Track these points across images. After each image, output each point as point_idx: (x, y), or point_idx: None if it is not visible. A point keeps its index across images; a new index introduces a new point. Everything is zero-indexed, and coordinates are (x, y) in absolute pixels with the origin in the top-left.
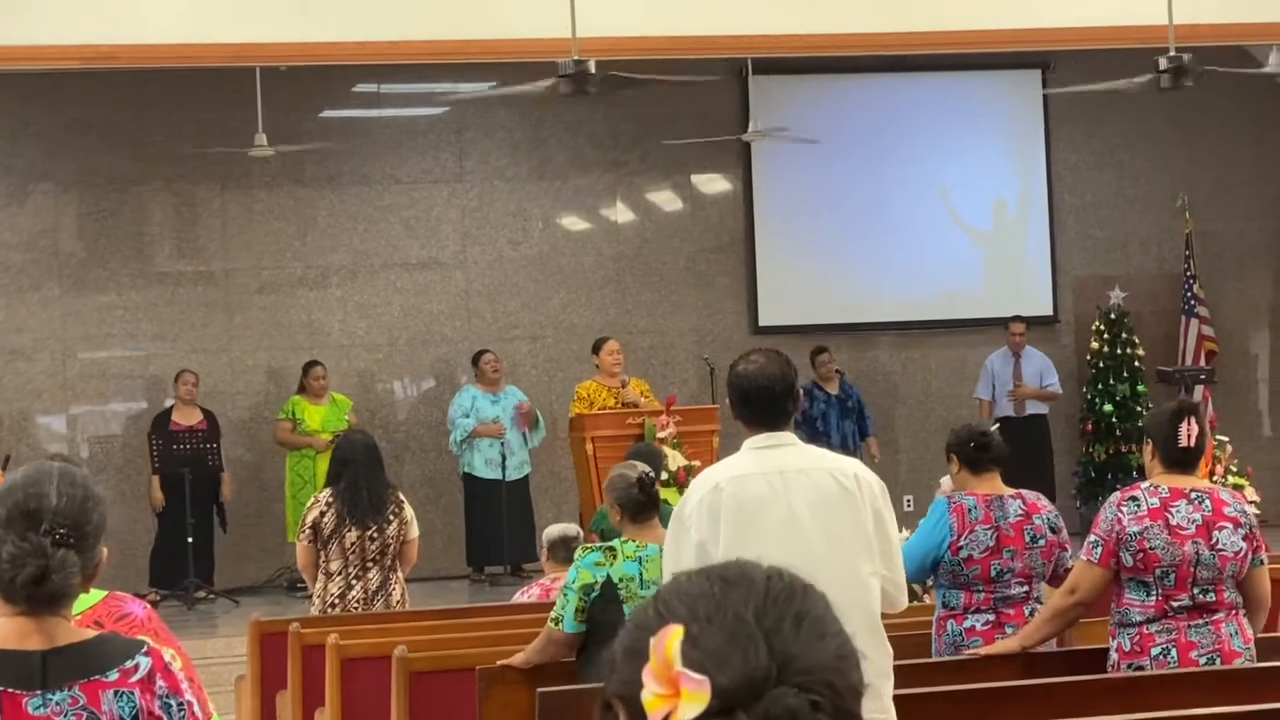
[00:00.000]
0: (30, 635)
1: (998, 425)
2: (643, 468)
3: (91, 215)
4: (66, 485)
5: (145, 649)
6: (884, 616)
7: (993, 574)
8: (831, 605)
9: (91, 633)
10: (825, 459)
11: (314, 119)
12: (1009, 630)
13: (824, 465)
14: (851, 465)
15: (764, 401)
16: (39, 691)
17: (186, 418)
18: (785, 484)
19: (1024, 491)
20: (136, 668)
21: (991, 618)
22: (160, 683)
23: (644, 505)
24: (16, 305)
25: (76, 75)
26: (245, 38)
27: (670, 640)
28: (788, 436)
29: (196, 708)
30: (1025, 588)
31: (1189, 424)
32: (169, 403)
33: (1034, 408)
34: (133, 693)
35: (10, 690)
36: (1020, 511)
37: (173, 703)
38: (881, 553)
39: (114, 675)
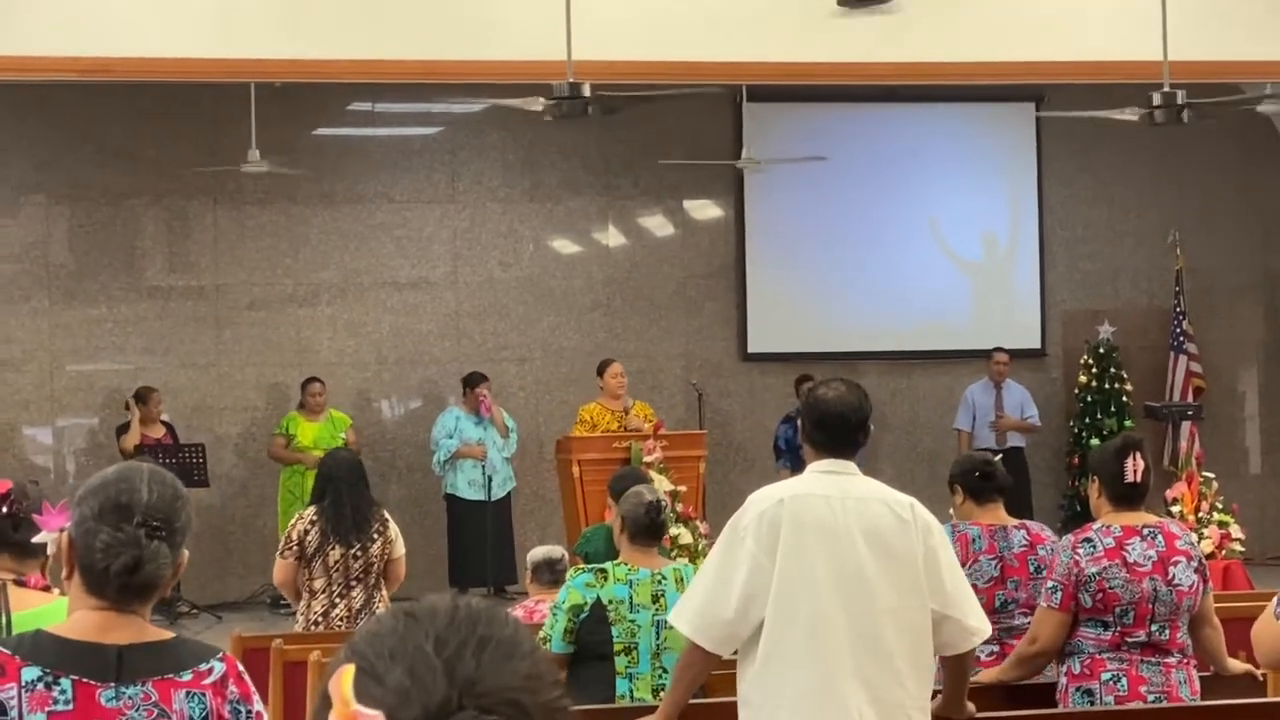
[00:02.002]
0: (111, 630)
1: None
2: (662, 495)
3: (83, 228)
4: (157, 482)
5: (220, 655)
6: None
7: (997, 604)
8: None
9: (170, 634)
10: (883, 491)
11: (308, 136)
12: None
13: (882, 496)
14: (907, 499)
15: (837, 428)
16: (113, 684)
17: (153, 431)
18: (845, 509)
19: (1028, 522)
20: (210, 671)
21: (996, 648)
22: (232, 688)
23: (645, 529)
24: (6, 316)
25: (70, 88)
26: (240, 54)
27: (343, 680)
28: (851, 466)
29: (266, 719)
30: (1029, 618)
31: (1135, 459)
32: (129, 418)
33: (1014, 440)
34: (204, 694)
35: (85, 680)
36: (1024, 542)
37: (242, 709)
38: (934, 590)
39: (188, 675)
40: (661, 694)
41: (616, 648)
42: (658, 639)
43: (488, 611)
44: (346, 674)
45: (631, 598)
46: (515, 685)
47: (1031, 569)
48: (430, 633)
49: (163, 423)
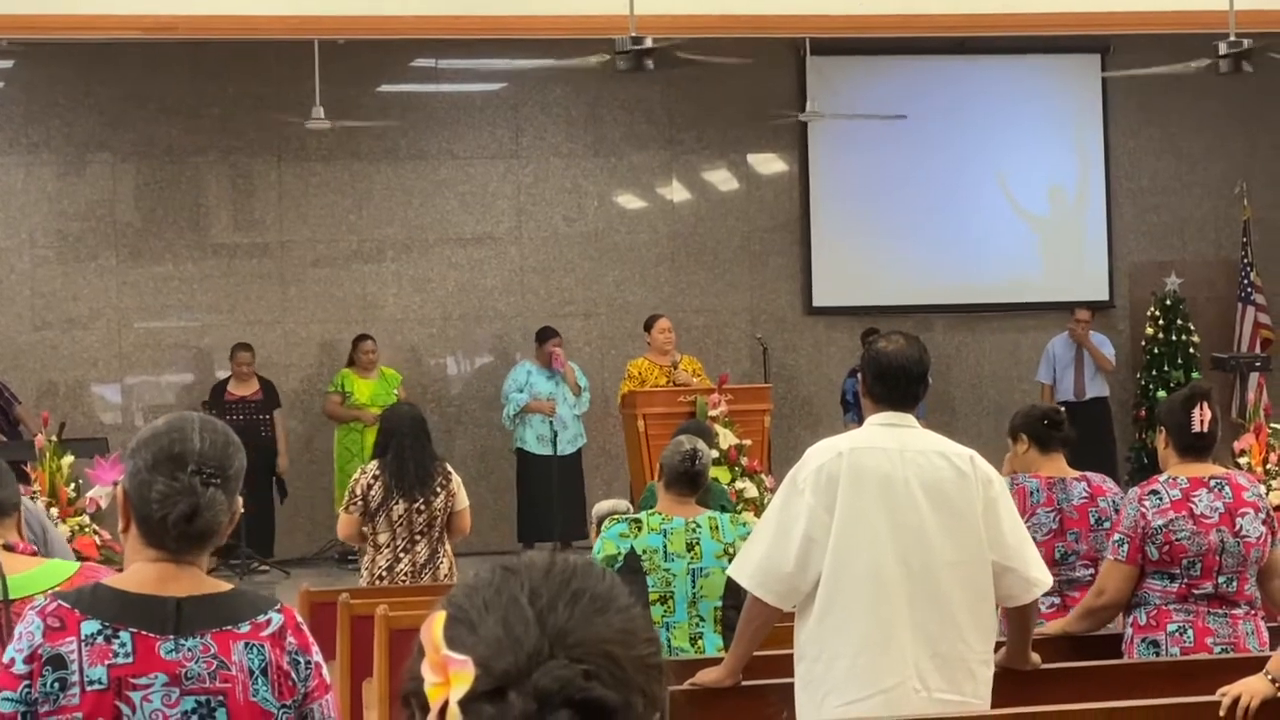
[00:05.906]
0: (169, 582)
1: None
2: (702, 446)
3: (148, 186)
4: (208, 430)
5: (278, 606)
6: None
7: (1057, 556)
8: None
9: (228, 585)
10: (943, 443)
11: (371, 93)
12: None
13: (941, 448)
14: (967, 451)
15: (897, 381)
16: (171, 636)
17: (243, 389)
18: (904, 462)
19: (1089, 474)
20: (269, 622)
21: (1057, 600)
22: (290, 639)
23: (681, 477)
24: (74, 274)
25: (136, 46)
26: (304, 10)
27: (434, 627)
28: (910, 419)
29: (325, 670)
30: (1091, 570)
31: (1202, 409)
32: (222, 374)
33: (1095, 390)
34: (263, 645)
35: (144, 633)
36: (1085, 494)
37: (300, 660)
38: (995, 542)
39: (245, 627)
40: (698, 642)
41: (652, 597)
42: (693, 587)
43: (584, 567)
44: (437, 620)
45: (665, 547)
46: (608, 637)
47: (1092, 520)
48: (525, 585)
49: (258, 377)
